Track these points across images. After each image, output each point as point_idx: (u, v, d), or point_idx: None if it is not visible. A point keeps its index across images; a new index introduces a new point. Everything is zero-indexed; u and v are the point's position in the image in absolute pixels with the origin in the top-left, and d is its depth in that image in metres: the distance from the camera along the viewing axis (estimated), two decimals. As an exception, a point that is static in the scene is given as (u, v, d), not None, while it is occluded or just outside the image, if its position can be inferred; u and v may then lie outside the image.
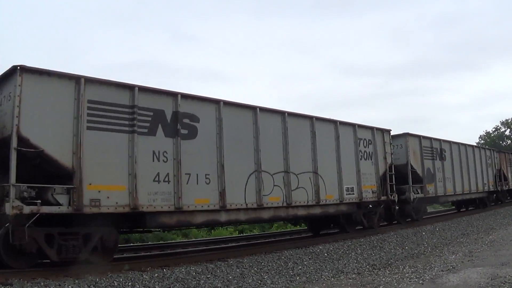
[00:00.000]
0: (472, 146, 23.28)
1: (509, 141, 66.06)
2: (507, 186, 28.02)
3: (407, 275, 8.23)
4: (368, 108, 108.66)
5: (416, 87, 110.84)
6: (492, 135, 66.50)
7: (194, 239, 18.04)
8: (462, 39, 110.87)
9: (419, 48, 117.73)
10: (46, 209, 7.55)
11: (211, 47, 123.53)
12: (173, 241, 17.35)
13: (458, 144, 21.36)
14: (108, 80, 8.74)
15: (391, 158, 15.82)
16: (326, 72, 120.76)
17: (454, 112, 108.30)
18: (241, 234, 19.68)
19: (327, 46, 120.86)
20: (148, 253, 11.97)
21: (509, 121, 67.10)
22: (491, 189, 24.74)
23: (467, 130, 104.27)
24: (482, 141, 63.40)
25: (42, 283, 6.88)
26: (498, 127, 67.60)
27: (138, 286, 7.44)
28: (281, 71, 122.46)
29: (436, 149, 19.08)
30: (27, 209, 7.30)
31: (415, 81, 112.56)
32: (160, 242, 16.43)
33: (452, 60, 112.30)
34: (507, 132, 67.50)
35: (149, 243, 16.05)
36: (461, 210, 24.38)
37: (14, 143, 7.26)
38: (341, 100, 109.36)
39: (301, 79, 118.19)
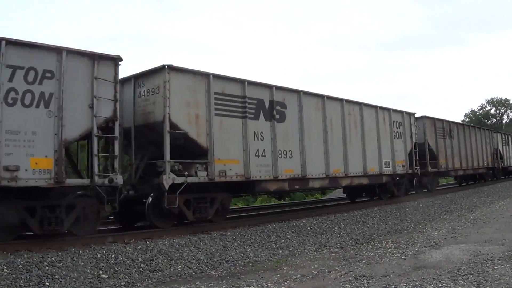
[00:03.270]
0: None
1: (494, 120, 66.92)
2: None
3: (389, 250, 8.31)
4: (356, 83, 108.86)
5: (405, 63, 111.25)
6: (477, 113, 67.25)
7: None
8: (453, 16, 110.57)
9: (409, 24, 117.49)
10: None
11: (198, 18, 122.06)
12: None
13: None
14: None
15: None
16: (314, 45, 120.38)
17: (442, 89, 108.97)
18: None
19: (315, 19, 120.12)
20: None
21: (495, 100, 67.98)
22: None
23: (454, 108, 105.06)
24: (467, 119, 64.07)
25: (26, 255, 6.82)
26: (484, 106, 68.48)
27: (121, 258, 7.41)
28: (268, 43, 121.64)
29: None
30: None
31: (404, 57, 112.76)
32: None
33: (442, 37, 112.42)
34: (493, 111, 68.36)
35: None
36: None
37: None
38: (329, 75, 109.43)
39: (288, 52, 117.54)
